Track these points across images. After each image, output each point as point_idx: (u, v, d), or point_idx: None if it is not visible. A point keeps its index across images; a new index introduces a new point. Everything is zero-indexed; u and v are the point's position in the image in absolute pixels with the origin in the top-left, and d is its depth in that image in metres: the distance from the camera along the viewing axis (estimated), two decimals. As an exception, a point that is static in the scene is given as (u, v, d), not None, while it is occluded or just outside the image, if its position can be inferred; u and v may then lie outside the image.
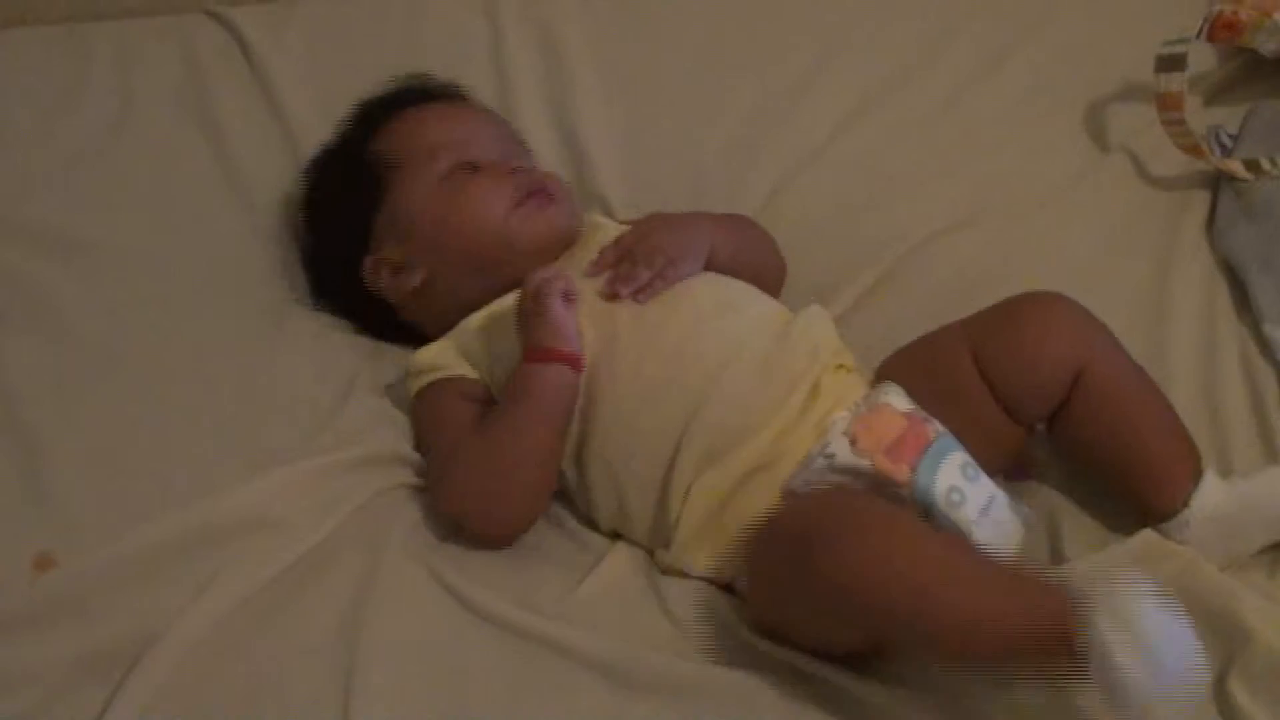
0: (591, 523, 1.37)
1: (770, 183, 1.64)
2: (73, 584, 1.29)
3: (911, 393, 1.31)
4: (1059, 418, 1.33)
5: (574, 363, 1.32)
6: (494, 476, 1.32)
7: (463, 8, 1.81)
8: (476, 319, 1.40)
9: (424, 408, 1.41)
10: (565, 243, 1.45)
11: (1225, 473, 1.32)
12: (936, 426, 1.28)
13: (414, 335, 1.47)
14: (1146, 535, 1.29)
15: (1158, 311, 1.49)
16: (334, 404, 1.45)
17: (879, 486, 1.26)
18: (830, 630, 1.20)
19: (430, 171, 1.45)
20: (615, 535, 1.37)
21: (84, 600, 1.28)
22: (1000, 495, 1.27)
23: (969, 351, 1.33)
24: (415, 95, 1.54)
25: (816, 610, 1.18)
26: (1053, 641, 1.08)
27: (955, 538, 1.23)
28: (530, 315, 1.33)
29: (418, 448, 1.41)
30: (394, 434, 1.42)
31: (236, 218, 1.61)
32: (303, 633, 1.27)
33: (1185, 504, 1.28)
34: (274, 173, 1.64)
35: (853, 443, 1.27)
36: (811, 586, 1.16)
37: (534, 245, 1.43)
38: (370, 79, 1.68)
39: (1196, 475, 1.29)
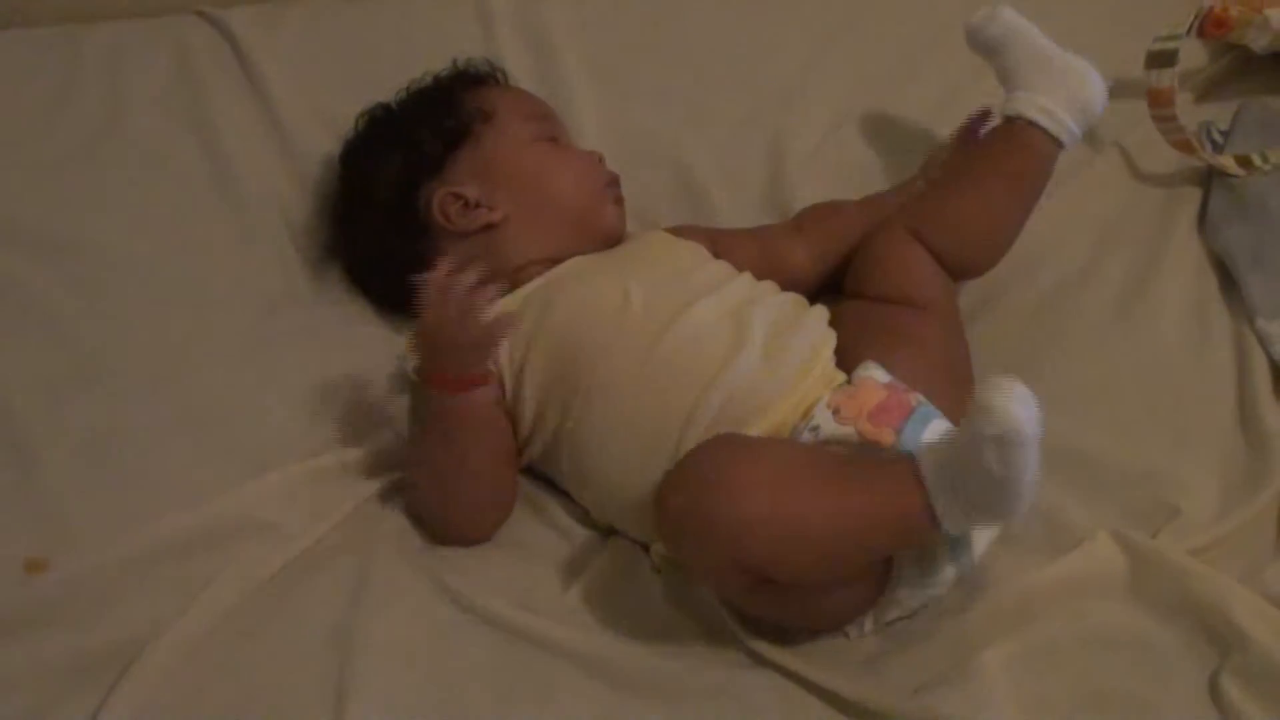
0: (585, 518, 1.37)
1: (761, 187, 1.64)
2: (64, 588, 1.29)
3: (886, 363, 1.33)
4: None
5: (483, 382, 1.33)
6: (444, 502, 1.34)
7: (455, 10, 1.80)
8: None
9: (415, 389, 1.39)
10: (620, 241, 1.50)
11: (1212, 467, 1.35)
12: (918, 396, 1.28)
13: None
14: (1111, 534, 1.29)
15: (1149, 306, 1.49)
16: (326, 405, 1.45)
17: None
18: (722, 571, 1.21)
19: (527, 130, 1.50)
20: (609, 530, 1.36)
21: (76, 604, 1.29)
22: None
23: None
24: (501, 74, 1.60)
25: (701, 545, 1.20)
26: (912, 516, 1.16)
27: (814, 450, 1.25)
28: (450, 339, 1.28)
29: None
30: (387, 434, 1.43)
31: (227, 219, 1.61)
32: (296, 635, 1.28)
33: None
34: (265, 174, 1.64)
35: (835, 413, 1.28)
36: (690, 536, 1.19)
37: (603, 232, 1.47)
38: (361, 81, 1.68)
39: None
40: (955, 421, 1.25)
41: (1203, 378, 1.44)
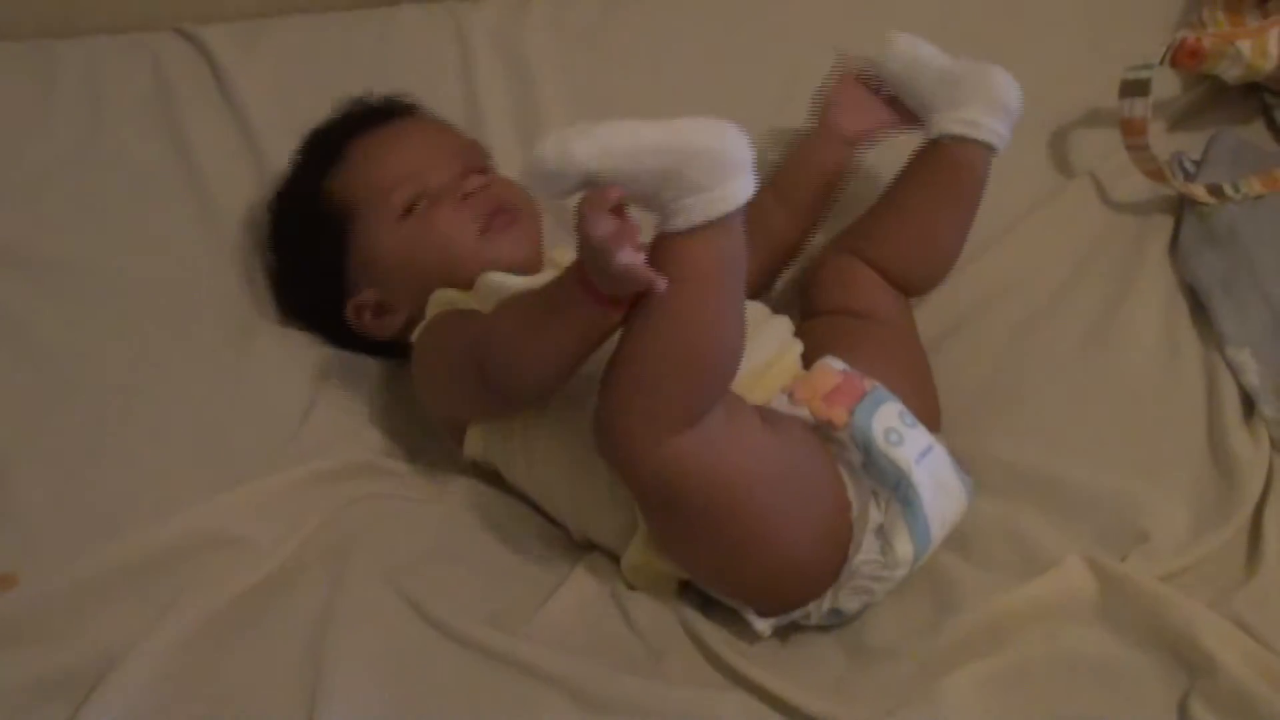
0: (557, 537, 1.37)
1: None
2: (34, 604, 1.29)
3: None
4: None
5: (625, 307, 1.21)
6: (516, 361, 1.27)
7: (432, 29, 1.80)
8: (495, 278, 1.39)
9: (443, 323, 1.38)
10: (536, 259, 1.45)
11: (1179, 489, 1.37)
12: (873, 381, 1.30)
13: (393, 349, 1.48)
14: (1081, 559, 1.30)
15: (1121, 333, 1.50)
16: (299, 418, 1.45)
17: (819, 434, 1.27)
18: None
19: (388, 211, 1.44)
20: (587, 545, 1.36)
21: (46, 620, 1.28)
22: (940, 450, 1.29)
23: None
24: (361, 121, 1.53)
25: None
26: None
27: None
28: (596, 257, 1.16)
29: (418, 383, 1.40)
30: (360, 447, 1.43)
31: (204, 234, 1.61)
32: (268, 651, 1.27)
33: None
34: (242, 190, 1.64)
35: (790, 396, 1.29)
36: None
37: (510, 265, 1.42)
38: (338, 100, 1.69)
39: None
40: (912, 409, 1.29)
41: (1173, 404, 1.45)
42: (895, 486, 1.25)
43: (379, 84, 1.72)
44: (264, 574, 1.31)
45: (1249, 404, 1.42)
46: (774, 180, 1.52)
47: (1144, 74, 1.56)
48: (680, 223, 1.15)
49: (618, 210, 1.15)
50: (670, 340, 1.18)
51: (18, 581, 1.30)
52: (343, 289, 1.47)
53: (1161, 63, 1.59)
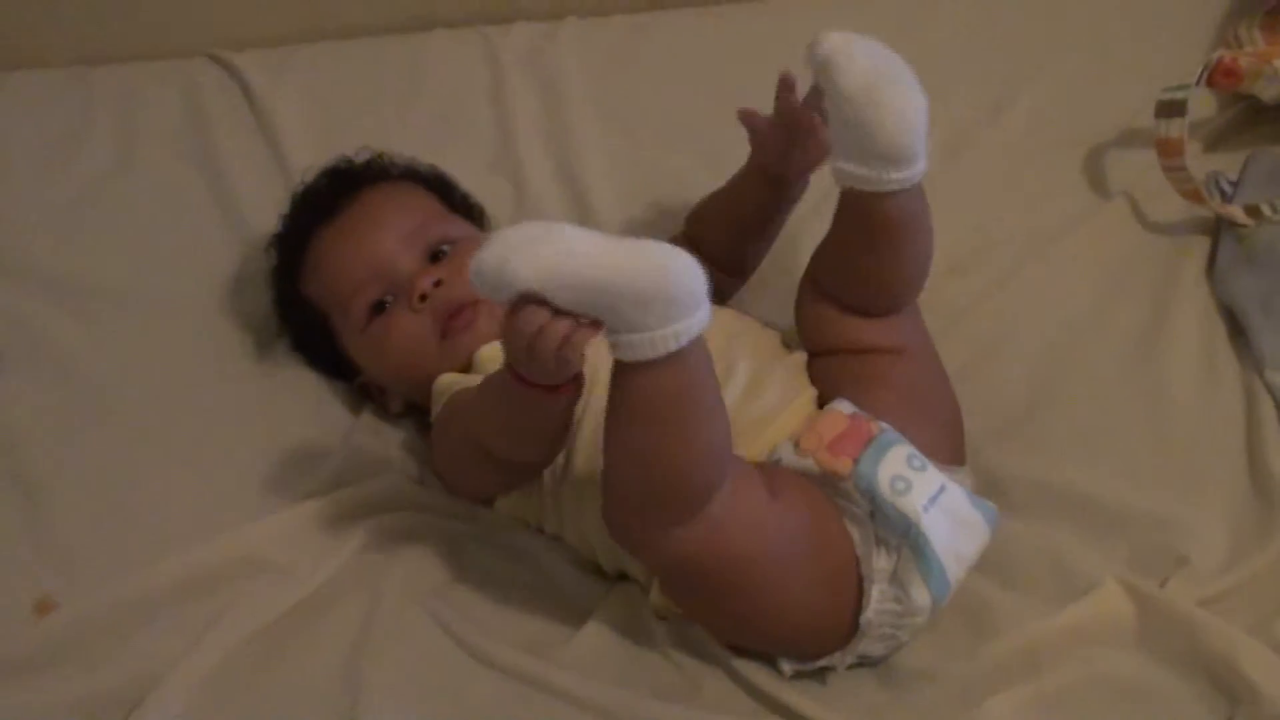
0: (589, 566, 1.37)
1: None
2: (73, 628, 1.30)
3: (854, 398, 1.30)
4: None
5: (573, 389, 1.19)
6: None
7: (463, 52, 1.81)
8: (493, 351, 1.36)
9: (446, 415, 1.36)
10: None
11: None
12: (881, 424, 1.26)
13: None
14: (1119, 582, 1.29)
15: (1157, 355, 1.48)
16: (334, 445, 1.45)
17: (825, 485, 1.24)
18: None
19: (353, 321, 1.42)
20: (620, 575, 1.35)
21: (85, 644, 1.29)
22: (954, 488, 1.24)
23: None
24: (321, 207, 1.48)
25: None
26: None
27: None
28: (518, 351, 1.14)
29: (440, 472, 1.41)
30: (394, 475, 1.42)
31: (236, 260, 1.61)
32: (304, 675, 1.28)
33: None
34: (274, 216, 1.61)
35: (796, 445, 1.26)
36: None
37: (466, 359, 1.39)
38: (370, 123, 1.70)
39: None
40: (928, 453, 1.25)
41: (1212, 426, 1.43)
42: (905, 534, 1.22)
43: (409, 106, 1.75)
44: (301, 598, 1.32)
45: (1289, 428, 1.41)
46: (714, 211, 1.50)
47: (1180, 95, 1.55)
48: (623, 355, 1.10)
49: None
50: (639, 461, 1.15)
51: (56, 605, 1.31)
52: (348, 368, 1.48)
53: (1198, 83, 1.58)
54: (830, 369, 1.36)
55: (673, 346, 1.08)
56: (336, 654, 1.28)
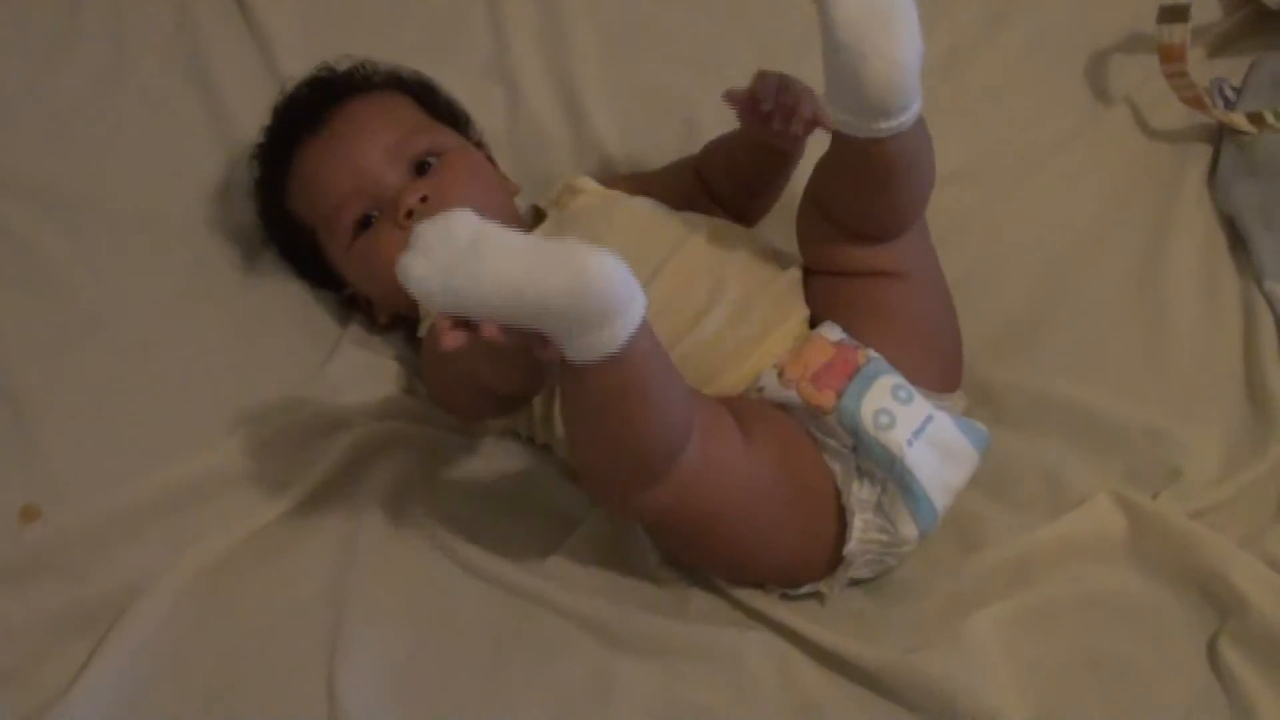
0: (576, 479, 1.35)
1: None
2: (59, 538, 1.30)
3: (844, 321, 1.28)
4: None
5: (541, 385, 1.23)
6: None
7: (460, -37, 1.79)
8: None
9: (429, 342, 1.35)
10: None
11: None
12: (868, 353, 1.25)
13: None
14: (1111, 495, 1.28)
15: (1156, 267, 1.47)
16: (321, 357, 1.44)
17: (808, 417, 1.23)
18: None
19: (340, 236, 1.40)
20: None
21: (69, 555, 1.29)
22: (942, 416, 1.23)
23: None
24: (304, 120, 1.45)
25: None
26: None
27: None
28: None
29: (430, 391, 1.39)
30: (381, 386, 1.42)
31: (226, 171, 1.60)
32: (288, 587, 1.28)
33: None
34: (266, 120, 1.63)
35: (780, 374, 1.25)
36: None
37: None
38: (364, 32, 1.68)
39: None
40: (919, 380, 1.24)
41: (1210, 339, 1.42)
42: (890, 470, 1.21)
43: (403, 16, 1.72)
44: (286, 509, 1.32)
45: (1287, 340, 1.40)
46: (717, 164, 1.47)
47: (1183, -1, 1.52)
48: (549, 355, 1.08)
49: None
50: (596, 446, 1.15)
51: (40, 514, 1.32)
52: (336, 280, 1.46)
53: (1202, -13, 1.55)
54: (827, 289, 1.33)
55: (610, 349, 1.06)
56: (321, 566, 1.29)
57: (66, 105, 1.66)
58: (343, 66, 1.51)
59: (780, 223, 1.46)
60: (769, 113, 1.33)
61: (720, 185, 1.47)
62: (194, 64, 1.69)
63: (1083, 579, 1.25)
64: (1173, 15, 1.53)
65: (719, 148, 1.48)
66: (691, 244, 1.34)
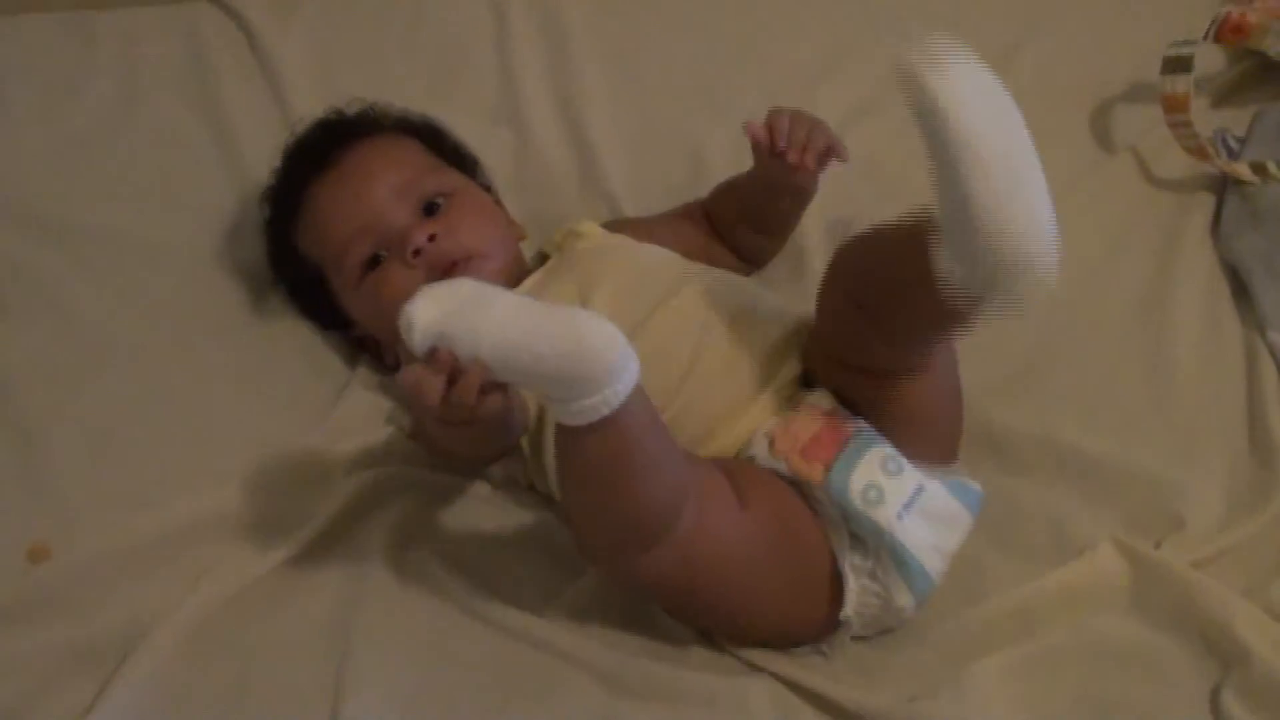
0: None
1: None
2: (66, 575, 1.30)
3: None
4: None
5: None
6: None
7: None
8: None
9: None
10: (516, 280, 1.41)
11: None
12: (858, 424, 1.24)
13: None
14: (1114, 543, 1.29)
15: (1159, 313, 1.48)
16: (331, 397, 1.45)
17: (799, 488, 1.23)
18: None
19: (344, 279, 1.42)
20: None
21: (77, 591, 1.29)
22: (934, 485, 1.22)
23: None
24: (314, 160, 1.46)
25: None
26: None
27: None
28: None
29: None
30: (388, 428, 1.42)
31: (237, 207, 1.60)
32: (295, 626, 1.28)
33: None
34: (276, 161, 1.63)
35: (771, 444, 1.25)
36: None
37: None
38: (374, 71, 1.70)
39: None
40: (915, 458, 1.22)
41: (1212, 387, 1.43)
42: (880, 541, 1.20)
43: (414, 54, 1.73)
44: (292, 551, 1.32)
45: (1289, 389, 1.40)
46: (727, 204, 1.49)
47: (1186, 50, 1.53)
48: (558, 419, 1.11)
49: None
50: (590, 512, 1.17)
51: (51, 553, 1.32)
52: (344, 320, 1.47)
53: (1205, 38, 1.57)
54: (837, 373, 1.28)
55: (604, 413, 1.08)
56: (327, 606, 1.29)
57: (77, 138, 1.67)
58: (353, 109, 1.52)
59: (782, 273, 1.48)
60: (783, 150, 1.34)
61: (730, 226, 1.48)
62: (205, 99, 1.70)
63: (1085, 628, 1.25)
64: (1176, 66, 1.54)
65: (730, 189, 1.49)
66: (684, 295, 1.34)
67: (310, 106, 1.64)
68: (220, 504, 1.35)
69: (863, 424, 1.24)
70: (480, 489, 1.39)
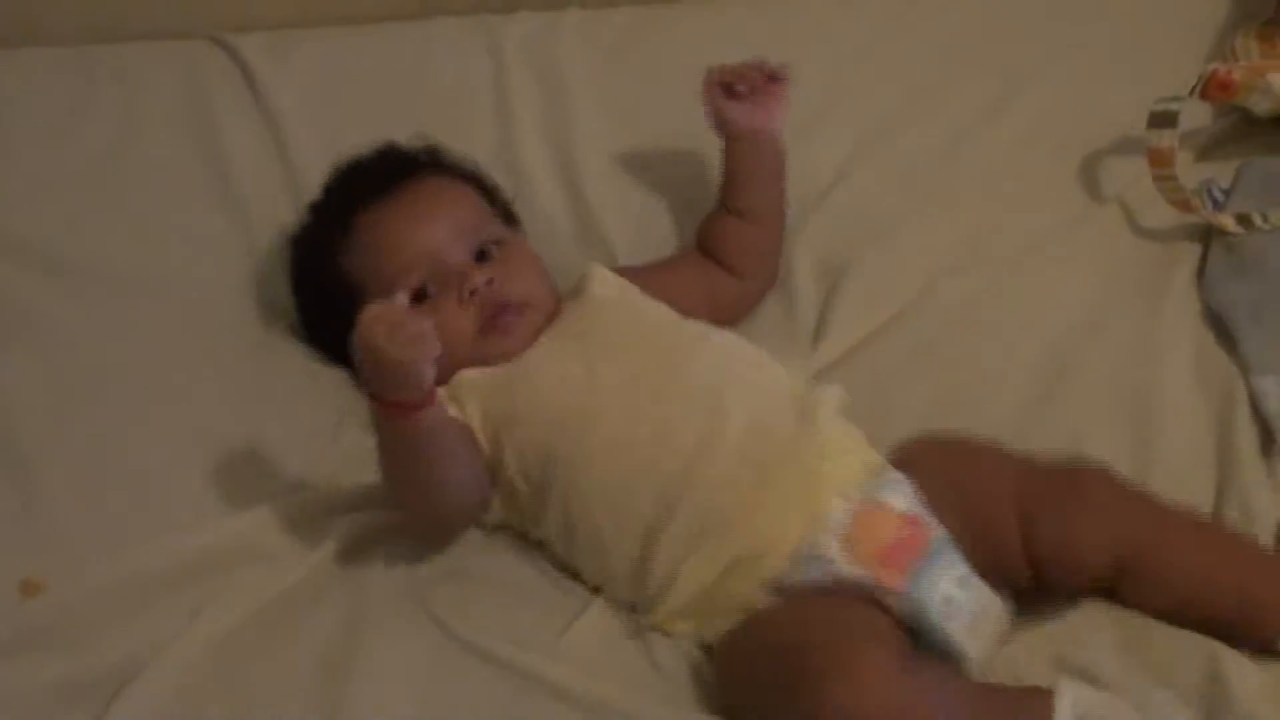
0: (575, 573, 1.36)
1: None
2: (59, 611, 1.30)
3: (930, 496, 1.28)
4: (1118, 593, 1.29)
5: (428, 403, 1.27)
6: (420, 505, 1.34)
7: (465, 41, 1.81)
8: (471, 375, 1.39)
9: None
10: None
11: None
12: (935, 529, 1.26)
13: None
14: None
15: (1147, 360, 1.49)
16: (326, 434, 1.45)
17: (873, 592, 1.24)
18: None
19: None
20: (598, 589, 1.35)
21: (70, 627, 1.29)
22: (994, 600, 1.26)
23: (1015, 504, 1.28)
24: (372, 185, 1.48)
25: None
26: None
27: (944, 674, 1.21)
28: (367, 365, 1.24)
29: None
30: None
31: (234, 243, 1.62)
32: (291, 663, 1.28)
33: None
34: (273, 199, 1.65)
35: (847, 547, 1.25)
36: (792, 714, 1.16)
37: (497, 359, 1.40)
38: (371, 111, 1.70)
39: None
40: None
41: (1196, 434, 1.43)
42: (946, 649, 1.23)
43: (411, 96, 1.75)
44: (289, 587, 1.32)
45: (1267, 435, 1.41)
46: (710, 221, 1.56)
47: (1173, 106, 1.55)
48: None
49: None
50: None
51: (44, 587, 1.31)
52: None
53: (1192, 94, 1.59)
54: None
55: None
56: (324, 643, 1.29)
57: (75, 170, 1.68)
58: (417, 145, 1.55)
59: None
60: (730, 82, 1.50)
61: (720, 234, 1.53)
62: (203, 135, 1.72)
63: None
64: (1162, 121, 1.56)
65: (709, 221, 1.55)
66: (693, 371, 1.36)
67: (308, 145, 1.68)
68: (217, 538, 1.35)
69: (939, 529, 1.26)
70: (478, 532, 1.39)
